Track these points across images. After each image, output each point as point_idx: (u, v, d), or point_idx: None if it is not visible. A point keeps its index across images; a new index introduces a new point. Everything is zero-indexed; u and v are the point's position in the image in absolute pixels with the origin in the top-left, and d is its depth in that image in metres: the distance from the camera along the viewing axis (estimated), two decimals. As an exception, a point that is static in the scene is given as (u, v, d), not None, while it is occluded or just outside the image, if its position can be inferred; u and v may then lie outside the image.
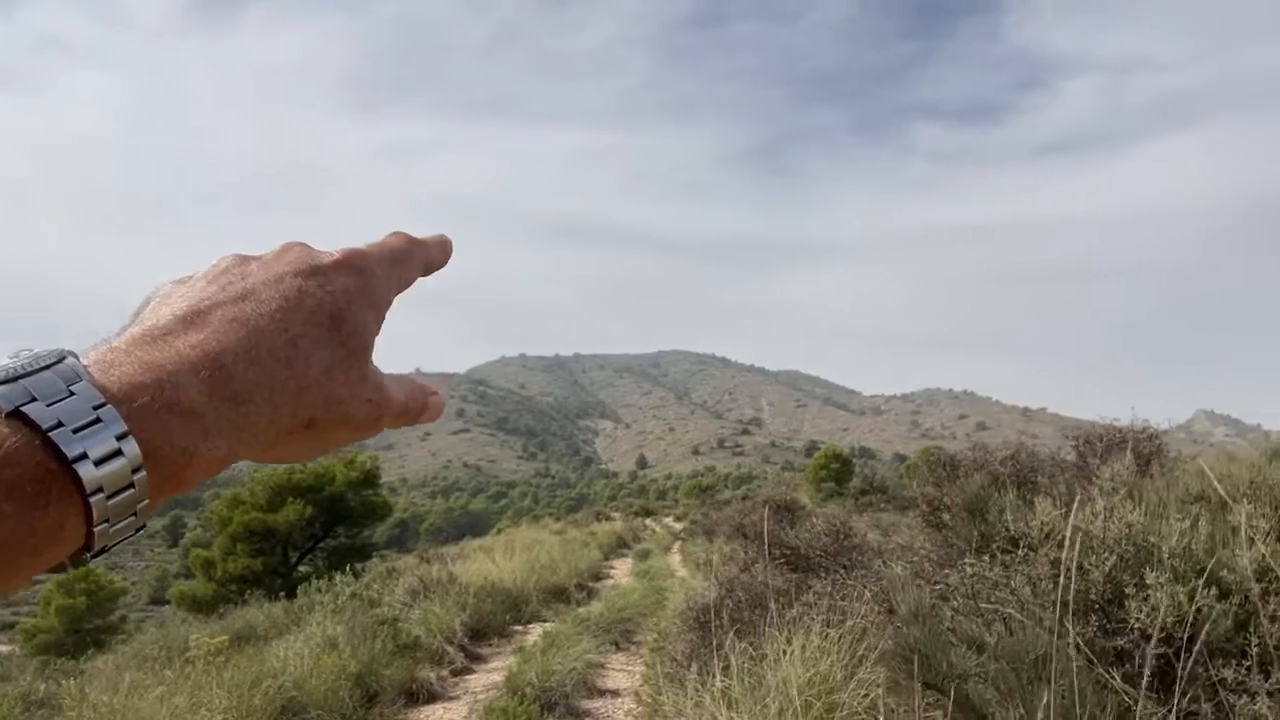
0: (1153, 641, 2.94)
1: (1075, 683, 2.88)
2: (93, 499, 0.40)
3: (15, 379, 0.41)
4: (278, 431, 0.47)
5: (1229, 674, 2.78)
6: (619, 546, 27.03)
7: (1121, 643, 2.97)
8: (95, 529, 0.41)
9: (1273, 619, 2.82)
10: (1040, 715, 2.75)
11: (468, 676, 8.59)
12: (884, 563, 5.73)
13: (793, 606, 4.55)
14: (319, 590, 11.27)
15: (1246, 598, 2.90)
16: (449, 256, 0.62)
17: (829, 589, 5.05)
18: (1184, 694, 2.80)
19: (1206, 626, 2.84)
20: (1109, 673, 2.89)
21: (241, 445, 0.46)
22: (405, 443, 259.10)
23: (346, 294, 0.51)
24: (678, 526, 36.25)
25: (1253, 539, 3.03)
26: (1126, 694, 2.82)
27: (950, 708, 3.30)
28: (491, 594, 11.48)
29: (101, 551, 0.43)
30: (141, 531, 0.44)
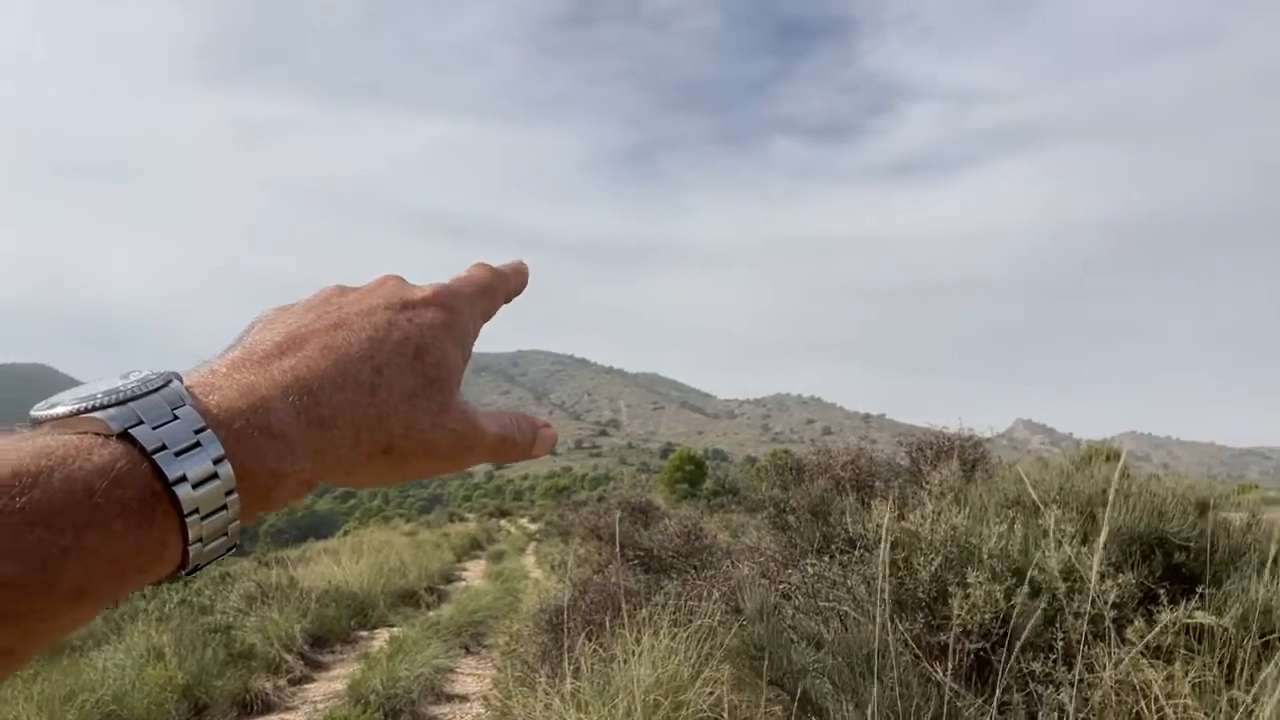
0: (972, 637, 3.17)
1: (903, 676, 3.06)
2: (189, 519, 0.43)
3: (126, 401, 0.43)
4: (358, 456, 0.49)
5: (1037, 666, 3.04)
6: (473, 548, 26.65)
7: (945, 638, 3.18)
8: (190, 548, 0.43)
9: (1077, 615, 3.09)
10: (870, 708, 2.91)
11: (307, 685, 8.25)
12: (732, 563, 5.90)
13: (644, 607, 4.61)
14: (142, 596, 10.53)
15: (1055, 595, 3.16)
16: (526, 283, 0.65)
17: (680, 589, 5.15)
18: (1000, 686, 3.03)
19: (1020, 622, 3.08)
20: (933, 666, 3.09)
21: (324, 468, 0.48)
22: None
23: (433, 328, 0.53)
24: (533, 528, 36.04)
25: (1060, 541, 3.32)
26: (949, 686, 3.03)
27: (789, 702, 3.44)
28: (336, 598, 11.07)
29: (196, 569, 0.45)
30: (233, 551, 0.46)
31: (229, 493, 0.44)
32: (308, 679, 8.44)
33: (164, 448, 0.42)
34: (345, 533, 34.00)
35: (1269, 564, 3.33)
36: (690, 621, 4.30)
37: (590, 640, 4.39)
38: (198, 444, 0.43)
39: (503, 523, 43.73)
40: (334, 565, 14.25)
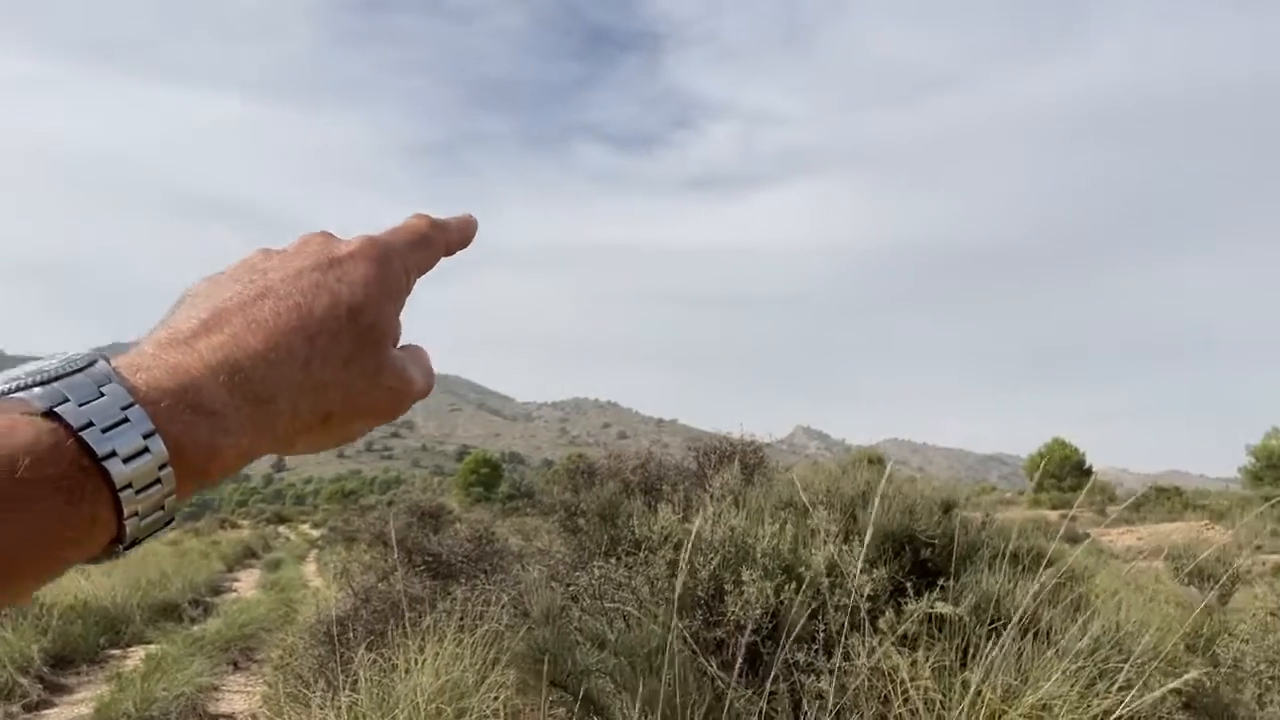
0: (745, 631, 3.35)
1: (681, 671, 3.19)
2: (122, 494, 0.42)
3: (50, 380, 0.43)
4: (297, 427, 0.49)
5: (802, 657, 3.26)
6: (246, 556, 25.02)
7: (720, 633, 3.34)
8: (125, 522, 0.43)
9: (837, 608, 3.35)
10: (649, 704, 3.01)
11: (46, 711, 7.41)
12: (523, 567, 5.90)
13: (430, 614, 4.51)
14: None
15: (819, 590, 3.41)
16: (472, 238, 0.62)
17: (468, 595, 5.08)
18: (769, 677, 3.22)
19: (788, 616, 3.30)
20: (708, 661, 3.24)
21: (263, 441, 0.47)
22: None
23: (365, 284, 0.51)
24: (316, 534, 34.28)
25: (826, 540, 3.58)
26: (722, 679, 3.18)
27: (575, 705, 3.49)
28: (83, 614, 10.02)
29: (134, 543, 0.45)
30: (171, 525, 0.46)
31: (162, 466, 0.44)
32: (47, 704, 7.59)
33: (91, 424, 0.42)
34: (97, 542, 30.78)
35: (999, 559, 3.76)
36: (477, 627, 4.25)
37: (371, 650, 4.23)
38: (126, 420, 0.43)
39: (282, 529, 41.32)
40: (80, 578, 12.88)
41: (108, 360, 0.46)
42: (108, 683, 7.88)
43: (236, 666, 9.03)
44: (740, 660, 3.25)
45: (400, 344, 0.55)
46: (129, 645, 10.30)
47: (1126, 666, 2.93)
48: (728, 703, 3.18)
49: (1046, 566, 3.44)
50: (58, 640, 8.82)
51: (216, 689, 7.88)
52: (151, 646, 9.69)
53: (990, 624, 3.35)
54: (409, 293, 0.56)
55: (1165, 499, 28.37)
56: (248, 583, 18.61)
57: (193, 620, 11.98)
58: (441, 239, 0.60)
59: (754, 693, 3.21)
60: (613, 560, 4.00)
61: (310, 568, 20.96)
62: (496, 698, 3.81)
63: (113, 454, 0.42)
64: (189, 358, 0.46)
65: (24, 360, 0.47)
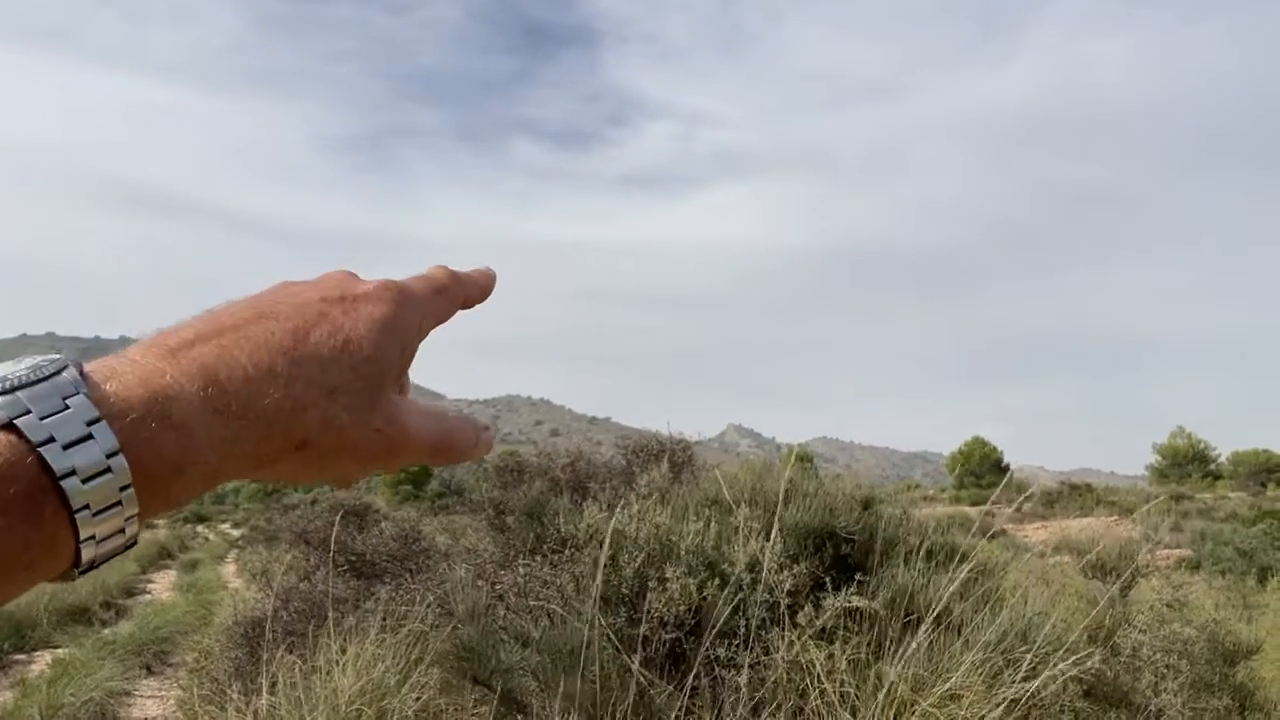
0: (669, 628, 3.40)
1: (604, 668, 3.21)
2: (79, 515, 0.41)
3: (13, 390, 0.41)
4: (269, 450, 0.47)
5: (722, 652, 3.31)
6: (162, 557, 24.19)
7: (644, 630, 3.38)
8: (81, 545, 0.41)
9: (758, 604, 3.41)
10: (571, 701, 3.03)
11: (-59, 721, 7.07)
12: (449, 565, 5.85)
13: (353, 614, 4.44)
14: None
15: (740, 586, 3.47)
16: (490, 290, 0.61)
17: (392, 594, 5.02)
18: (691, 672, 3.27)
19: (710, 612, 3.35)
20: (631, 658, 3.27)
21: (231, 462, 0.46)
22: None
23: (371, 322, 0.50)
24: (236, 534, 33.33)
25: (748, 537, 3.65)
26: (644, 675, 3.22)
27: (495, 701, 3.48)
28: (-16, 619, 9.57)
29: (92, 567, 0.43)
30: (133, 547, 0.45)
31: (124, 488, 0.42)
32: (-59, 714, 7.23)
33: (52, 440, 0.40)
34: None
35: (915, 554, 3.87)
36: (401, 627, 4.20)
37: (291, 652, 4.15)
38: (89, 436, 0.41)
39: (200, 529, 40.05)
40: (-17, 581, 12.31)
41: (78, 367, 0.44)
42: (11, 689, 7.56)
43: (150, 671, 8.75)
44: (663, 656, 3.29)
45: (414, 396, 0.54)
46: (35, 650, 9.89)
47: (1030, 656, 3.05)
48: (649, 699, 3.22)
49: (961, 561, 3.57)
50: (-44, 646, 8.41)
51: (128, 694, 7.63)
52: (59, 651, 9.32)
53: (905, 617, 3.45)
54: (422, 339, 0.55)
55: (1077, 495, 29.51)
56: (163, 584, 18.04)
57: (104, 623, 11.56)
58: (460, 291, 0.59)
59: (675, 688, 3.25)
60: (539, 558, 4.01)
61: (230, 568, 20.38)
62: (419, 698, 3.78)
63: (72, 472, 0.40)
64: (168, 364, 0.45)
65: None
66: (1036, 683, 2.90)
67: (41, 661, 8.98)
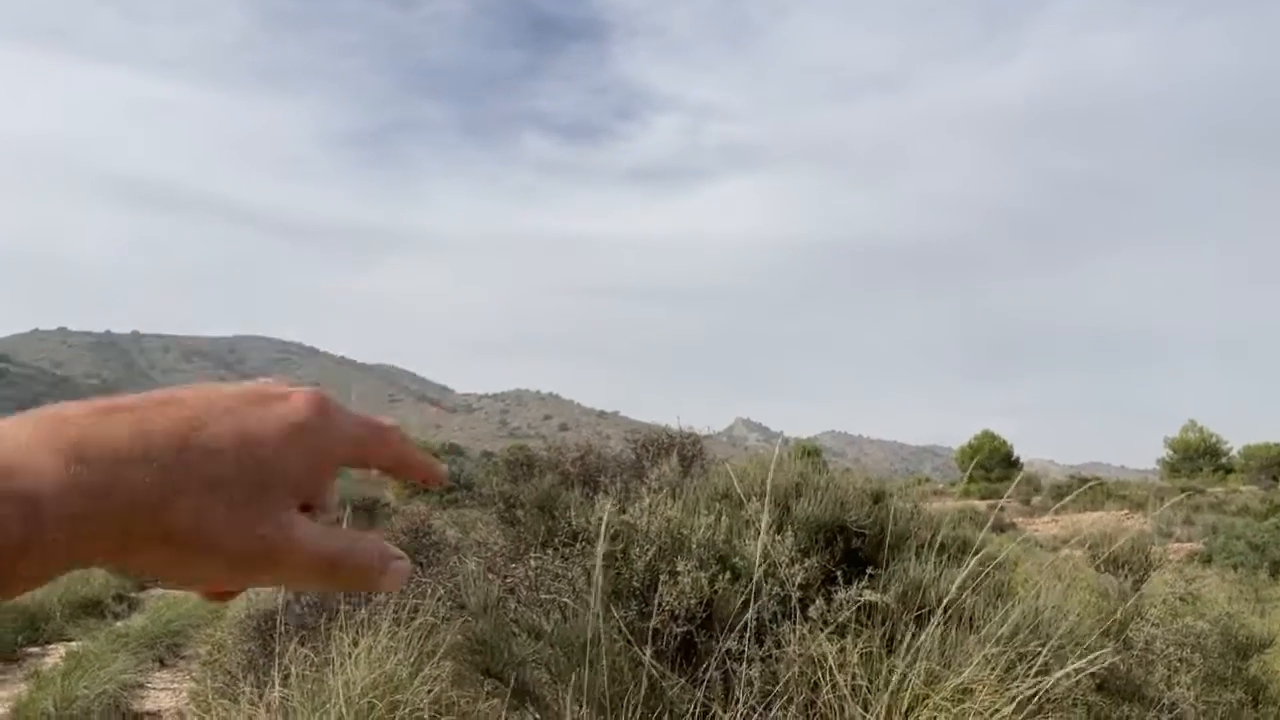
0: (680, 621, 3.40)
1: (615, 661, 3.22)
2: None
3: None
4: (132, 537, 0.43)
5: (734, 645, 3.31)
6: (174, 550, 24.35)
7: (655, 623, 3.38)
8: None
9: (769, 597, 3.41)
10: (583, 693, 3.03)
11: (-43, 713, 7.14)
12: (460, 559, 5.86)
13: (364, 608, 4.46)
14: None
15: (751, 579, 3.47)
16: (430, 482, 0.56)
17: (404, 587, 5.04)
18: (701, 665, 3.27)
19: (721, 606, 3.35)
20: (643, 651, 3.27)
21: (85, 543, 0.42)
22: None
23: (280, 422, 0.47)
24: (247, 527, 33.53)
25: (759, 530, 3.64)
26: (655, 668, 3.22)
27: (508, 694, 3.49)
28: (-2, 612, 9.65)
29: None
30: None
31: None
32: (-43, 706, 7.30)
33: None
34: (15, 536, 29.70)
35: (925, 548, 3.87)
36: (412, 620, 4.22)
37: (303, 645, 4.17)
38: None
39: (212, 522, 40.29)
40: (-3, 574, 12.42)
41: None
42: (26, 681, 7.62)
43: (162, 663, 8.82)
44: (674, 649, 3.29)
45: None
46: (48, 642, 9.97)
47: (1044, 651, 3.04)
48: (661, 692, 3.22)
49: (972, 555, 3.55)
50: (-29, 638, 8.49)
51: (142, 686, 7.69)
52: (73, 644, 9.39)
53: (917, 611, 3.45)
54: (335, 467, 0.50)
55: (1088, 490, 29.42)
56: (175, 577, 18.15)
57: (116, 616, 11.64)
58: (394, 451, 0.54)
59: (687, 681, 3.25)
60: (550, 551, 4.01)
61: (241, 561, 20.52)
62: (430, 690, 3.79)
63: None
64: (44, 431, 0.43)
65: None
66: (1052, 680, 2.89)
67: (55, 654, 9.05)
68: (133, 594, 14.16)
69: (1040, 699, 2.98)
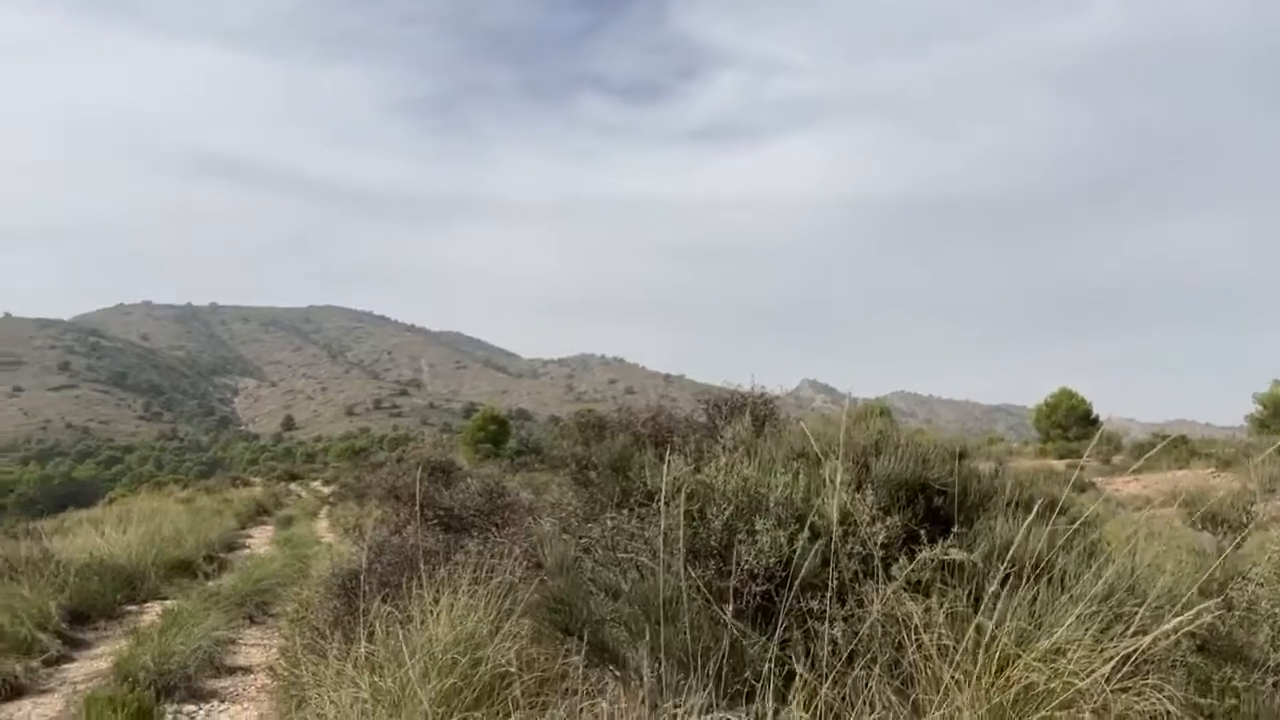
0: (758, 580, 3.36)
1: (694, 620, 3.20)
2: None
3: None
4: None
5: (814, 604, 3.26)
6: (258, 514, 25.32)
7: (734, 582, 3.35)
8: None
9: (849, 556, 3.35)
10: (663, 651, 3.03)
11: (66, 665, 7.55)
12: (534, 520, 5.92)
13: (443, 567, 4.54)
14: None
15: (831, 538, 3.40)
16: None
17: (480, 547, 5.11)
18: (781, 624, 3.23)
19: (800, 564, 3.30)
20: (721, 609, 3.25)
21: None
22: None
23: None
24: (327, 491, 34.62)
25: (838, 489, 3.57)
26: (735, 627, 3.20)
27: (586, 650, 3.51)
28: (99, 571, 10.17)
29: None
30: None
31: None
32: (66, 658, 7.72)
33: None
34: (111, 500, 31.19)
35: (1012, 506, 3.75)
36: (490, 579, 4.27)
37: (386, 603, 4.27)
38: None
39: (293, 486, 41.70)
40: (97, 536, 13.05)
41: None
42: (125, 637, 7.99)
43: (252, 621, 9.16)
44: (754, 608, 3.26)
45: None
46: (145, 601, 10.45)
47: (1142, 610, 2.92)
48: (741, 650, 3.20)
49: (1060, 514, 3.43)
50: (75, 596, 8.95)
51: (234, 642, 8.00)
52: (168, 602, 9.82)
53: (1004, 570, 3.34)
54: None
55: (1172, 447, 28.36)
56: (261, 539, 18.83)
57: (207, 576, 12.15)
58: None
59: (767, 639, 3.22)
60: (625, 512, 4.01)
61: (322, 524, 21.17)
62: (511, 647, 3.84)
63: None
64: None
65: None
66: (1149, 638, 2.78)
67: (152, 612, 9.48)
68: (222, 555, 14.75)
69: (1137, 660, 2.86)
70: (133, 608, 10.11)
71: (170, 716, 5.82)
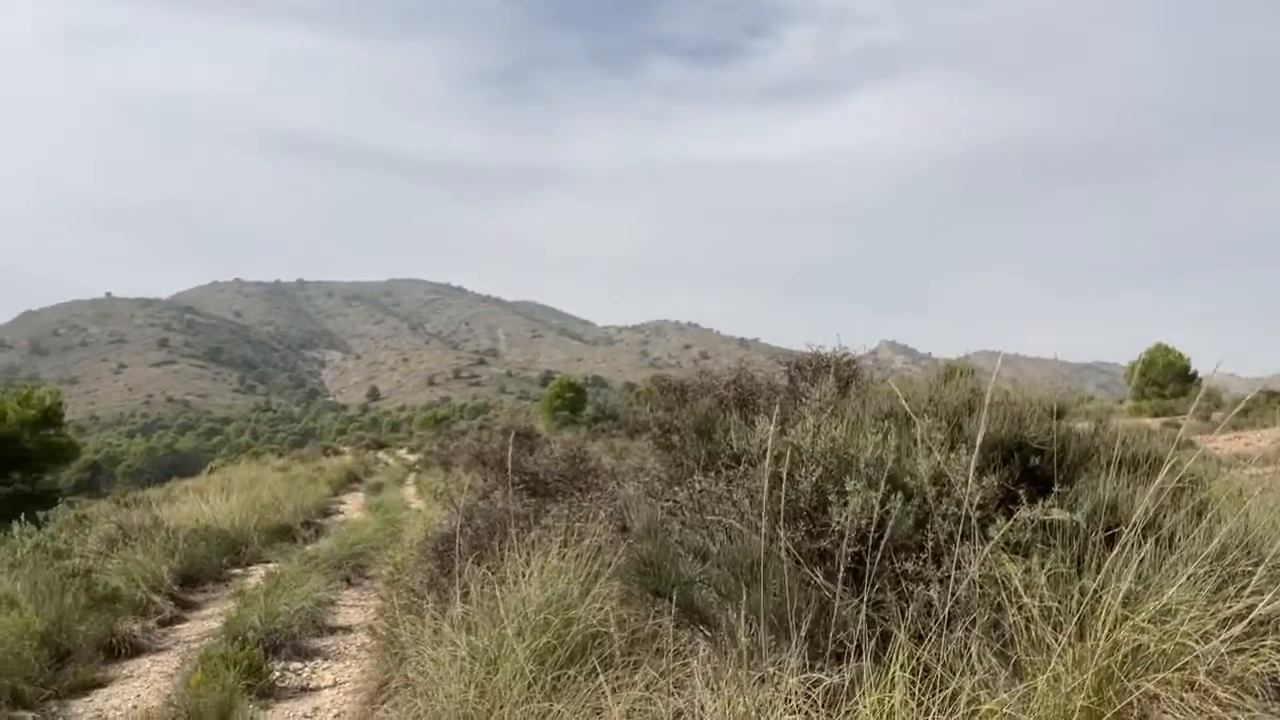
0: (850, 541, 3.32)
1: (785, 582, 3.18)
2: None
3: None
4: None
5: (909, 566, 3.21)
6: (350, 481, 26.17)
7: (824, 544, 3.32)
8: None
9: (944, 517, 3.28)
10: (754, 612, 3.02)
11: (179, 626, 7.98)
12: (618, 484, 5.97)
13: (532, 530, 4.62)
14: (-10, 544, 9.86)
15: (924, 499, 3.34)
16: None
17: (567, 511, 5.18)
18: (873, 586, 3.19)
19: (893, 526, 3.25)
20: (813, 571, 3.22)
21: None
22: (94, 376, 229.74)
23: None
24: (412, 459, 35.57)
25: (930, 449, 3.49)
26: (826, 588, 3.17)
27: (676, 612, 3.54)
28: (205, 537, 10.68)
29: None
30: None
31: None
32: (179, 619, 8.16)
33: None
34: (211, 470, 32.69)
35: (1114, 465, 3.61)
36: (579, 542, 4.33)
37: (479, 564, 4.37)
38: None
39: (380, 454, 42.97)
40: (201, 503, 13.71)
41: None
42: (233, 599, 8.39)
43: (349, 583, 9.51)
44: (846, 570, 3.22)
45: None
46: (249, 565, 10.95)
47: (1259, 571, 2.79)
48: (834, 611, 3.17)
49: (1166, 473, 3.28)
50: (184, 561, 9.42)
51: (333, 604, 8.32)
52: (270, 565, 10.27)
53: (1106, 530, 3.23)
54: None
55: (1277, 403, 26.93)
56: (353, 505, 19.48)
57: (305, 541, 12.64)
58: None
59: (859, 601, 3.19)
60: (711, 474, 4.00)
61: (410, 490, 21.79)
62: (602, 608, 3.90)
63: None
64: None
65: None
66: (1267, 599, 2.65)
67: (255, 575, 9.92)
68: (318, 520, 15.34)
69: (1253, 622, 2.74)
70: (237, 571, 10.60)
71: (278, 673, 6.10)
